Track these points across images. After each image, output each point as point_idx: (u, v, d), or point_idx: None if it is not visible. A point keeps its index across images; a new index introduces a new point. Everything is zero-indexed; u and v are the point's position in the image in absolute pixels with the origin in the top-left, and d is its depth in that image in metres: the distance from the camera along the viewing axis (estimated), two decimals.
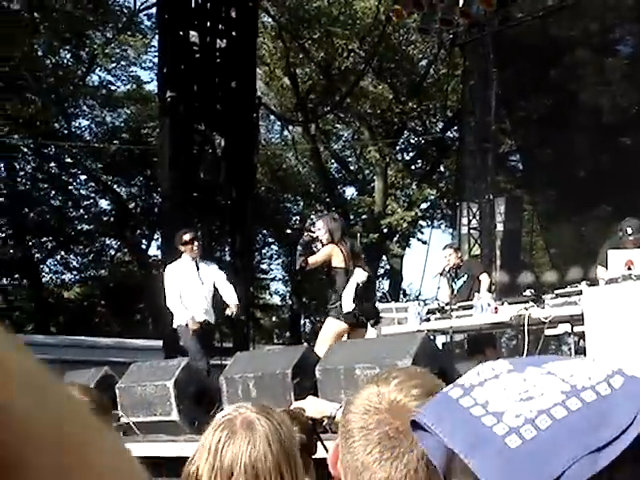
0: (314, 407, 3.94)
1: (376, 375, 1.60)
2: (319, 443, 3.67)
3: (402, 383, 1.53)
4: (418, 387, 1.52)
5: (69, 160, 28.73)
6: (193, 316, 9.65)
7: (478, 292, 10.05)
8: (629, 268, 7.95)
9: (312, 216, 9.46)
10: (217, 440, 1.94)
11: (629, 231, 9.04)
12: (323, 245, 8.46)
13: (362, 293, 8.30)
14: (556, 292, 8.98)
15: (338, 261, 8.34)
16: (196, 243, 9.95)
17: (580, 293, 8.22)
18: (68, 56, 28.27)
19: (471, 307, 9.55)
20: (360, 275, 8.32)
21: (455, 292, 10.55)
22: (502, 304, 9.41)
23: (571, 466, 0.71)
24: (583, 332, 7.97)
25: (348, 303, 8.20)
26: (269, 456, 1.89)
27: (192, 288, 9.90)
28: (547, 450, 0.72)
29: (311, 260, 8.35)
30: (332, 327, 8.21)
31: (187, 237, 10.06)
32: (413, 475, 1.45)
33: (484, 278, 10.80)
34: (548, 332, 8.90)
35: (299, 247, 8.48)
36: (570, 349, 9.00)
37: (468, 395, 0.79)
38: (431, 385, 1.55)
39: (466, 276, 10.80)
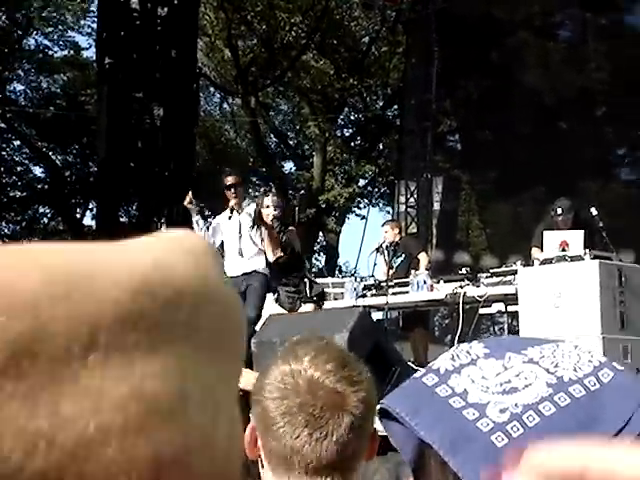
0: (246, 379, 3.91)
1: (282, 352, 1.56)
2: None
3: (314, 359, 1.50)
4: (331, 361, 1.50)
5: (3, 125, 28.19)
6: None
7: (416, 270, 10.08)
8: (563, 249, 8.04)
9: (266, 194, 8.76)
10: None
11: (559, 211, 9.13)
12: (268, 226, 8.01)
13: None
14: (491, 271, 9.07)
15: (298, 245, 8.19)
16: (233, 190, 8.60)
17: (515, 273, 8.30)
18: (3, 18, 27.64)
19: (407, 284, 9.58)
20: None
21: (394, 270, 10.57)
22: (438, 282, 9.47)
23: None
24: (516, 312, 8.06)
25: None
26: None
27: (227, 241, 8.68)
28: None
29: (272, 253, 8.03)
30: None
31: (227, 181, 8.76)
32: (343, 450, 1.44)
33: (422, 257, 10.82)
34: (482, 311, 8.98)
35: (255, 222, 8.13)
36: (502, 328, 9.10)
37: (444, 384, 0.74)
38: (341, 356, 1.53)
39: (404, 255, 10.81)
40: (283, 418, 1.45)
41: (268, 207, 8.02)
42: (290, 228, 8.15)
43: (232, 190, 8.55)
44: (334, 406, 1.45)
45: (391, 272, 10.41)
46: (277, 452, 1.46)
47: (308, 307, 7.91)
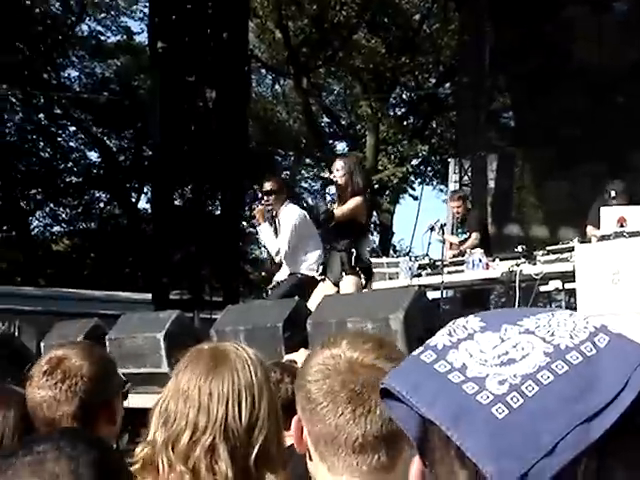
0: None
1: (322, 342, 1.59)
2: None
3: (352, 342, 1.53)
4: (368, 342, 1.54)
5: (58, 111, 28.53)
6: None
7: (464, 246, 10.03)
8: (621, 225, 7.94)
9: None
10: (182, 364, 1.94)
11: (613, 194, 9.06)
12: (339, 188, 7.77)
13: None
14: (548, 249, 8.97)
15: (363, 217, 7.80)
16: (267, 197, 8.28)
17: (572, 250, 8.21)
18: (57, 5, 27.91)
19: (463, 263, 9.53)
20: (370, 242, 8.14)
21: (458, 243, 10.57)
22: (493, 260, 9.40)
23: (564, 437, 0.67)
24: (574, 289, 7.97)
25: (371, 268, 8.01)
26: (227, 380, 1.87)
27: (269, 247, 8.60)
28: (537, 420, 0.68)
29: (337, 213, 7.66)
30: (356, 284, 7.68)
31: (264, 187, 8.47)
32: (389, 425, 1.45)
33: (474, 236, 10.78)
34: (539, 289, 8.90)
35: (320, 195, 7.99)
36: (560, 306, 9.01)
37: (443, 359, 0.74)
38: (378, 338, 1.58)
39: (468, 233, 10.76)
40: (326, 398, 1.48)
41: (337, 170, 7.86)
42: (356, 198, 7.77)
43: (267, 197, 8.27)
44: (375, 382, 1.46)
45: (454, 248, 10.36)
46: (323, 434, 1.48)
47: (350, 279, 7.63)
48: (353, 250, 7.60)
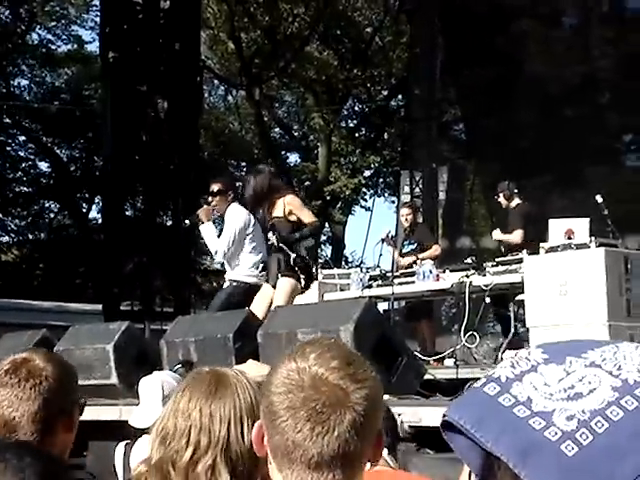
0: (255, 371, 3.93)
1: (291, 350, 1.58)
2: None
3: (320, 356, 1.52)
4: (336, 358, 1.52)
5: (8, 120, 28.21)
6: None
7: (421, 259, 10.08)
8: (569, 237, 8.02)
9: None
10: (181, 387, 1.95)
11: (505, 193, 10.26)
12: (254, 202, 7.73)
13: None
14: (497, 260, 9.05)
15: (294, 215, 7.64)
16: (212, 197, 8.31)
17: (521, 261, 8.28)
18: (6, 13, 27.63)
19: (413, 274, 9.58)
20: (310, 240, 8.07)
21: (402, 253, 10.61)
22: (444, 271, 9.46)
23: (638, 476, 0.65)
24: (523, 300, 8.05)
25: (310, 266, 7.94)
26: (228, 403, 1.87)
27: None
28: (608, 458, 0.66)
29: (307, 220, 7.63)
30: (291, 286, 7.55)
31: (210, 187, 8.43)
32: (345, 446, 1.45)
33: (435, 247, 10.84)
34: (488, 300, 8.96)
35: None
36: (509, 317, 9.09)
37: (507, 392, 0.73)
38: (347, 354, 1.55)
39: (416, 244, 10.81)
40: (286, 412, 1.47)
41: (248, 183, 7.78)
42: (285, 197, 7.64)
43: (212, 198, 8.24)
44: (337, 402, 1.46)
45: (400, 258, 10.42)
46: (280, 446, 1.48)
47: (284, 281, 7.48)
48: (289, 252, 7.54)
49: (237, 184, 8.35)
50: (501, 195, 10.61)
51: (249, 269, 8.09)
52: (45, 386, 2.25)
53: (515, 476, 0.69)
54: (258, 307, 7.43)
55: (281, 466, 1.50)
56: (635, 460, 0.66)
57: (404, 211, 11.19)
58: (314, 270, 8.31)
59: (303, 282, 7.60)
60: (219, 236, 8.15)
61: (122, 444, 4.10)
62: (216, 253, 8.20)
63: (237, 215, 8.09)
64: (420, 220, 11.92)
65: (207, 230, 8.25)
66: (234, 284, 8.20)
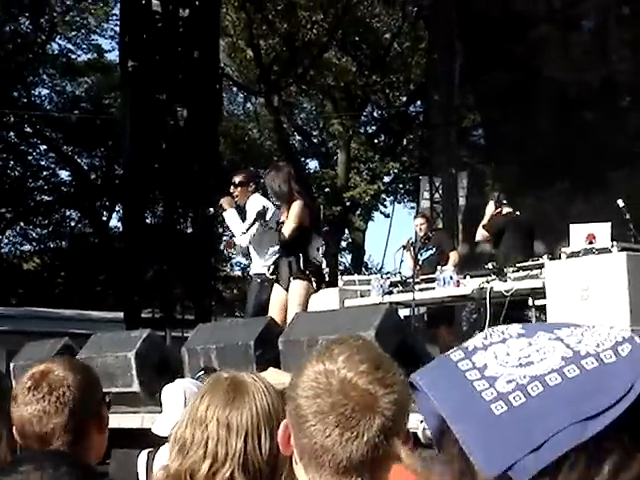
0: (275, 379, 3.93)
1: (318, 351, 1.57)
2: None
3: (349, 359, 1.51)
4: (365, 362, 1.51)
5: (29, 130, 28.39)
6: None
7: (443, 267, 10.06)
8: (590, 242, 8.00)
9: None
10: (201, 394, 1.94)
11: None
12: (279, 198, 7.84)
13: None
14: (518, 265, 9.01)
15: (306, 221, 7.68)
16: (234, 187, 8.52)
17: (542, 267, 8.25)
18: (27, 23, 27.82)
19: (434, 280, 9.55)
20: (320, 241, 8.12)
21: (420, 263, 10.57)
22: (464, 277, 9.43)
23: (555, 435, 0.69)
24: (544, 305, 8.02)
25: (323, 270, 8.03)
26: (246, 412, 1.86)
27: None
28: (532, 418, 0.70)
29: (287, 232, 7.59)
30: (305, 289, 7.65)
31: (233, 179, 8.65)
32: (374, 451, 1.45)
33: (453, 255, 10.83)
34: (510, 305, 8.93)
35: (263, 221, 7.93)
36: (530, 322, 9.04)
37: (468, 358, 0.76)
38: (376, 356, 1.55)
39: (434, 249, 10.81)
40: (315, 417, 1.47)
41: (273, 181, 7.83)
42: (296, 202, 7.66)
43: (233, 189, 8.46)
44: (366, 407, 1.46)
45: (418, 266, 10.42)
46: (308, 450, 1.48)
47: (297, 283, 7.55)
48: (300, 254, 7.61)
49: (259, 176, 8.46)
50: (490, 203, 10.97)
51: (266, 261, 8.21)
52: (69, 396, 2.26)
53: (456, 438, 0.72)
54: (274, 311, 7.50)
55: (308, 468, 1.49)
56: (557, 420, 0.69)
57: (418, 221, 11.21)
58: (325, 273, 8.35)
59: (315, 284, 7.66)
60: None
61: (145, 452, 4.11)
62: (242, 234, 8.28)
63: (258, 204, 8.24)
64: (436, 227, 12.02)
65: (230, 216, 8.47)
66: (258, 280, 8.29)
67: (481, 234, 10.75)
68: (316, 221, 8.08)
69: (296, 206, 7.68)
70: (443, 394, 0.74)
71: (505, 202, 10.92)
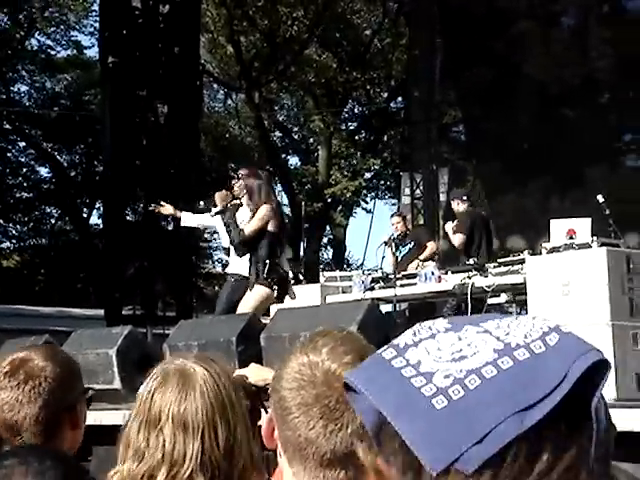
0: (257, 374, 3.91)
1: (302, 343, 1.56)
2: (263, 410, 3.65)
3: (332, 351, 1.50)
4: (349, 353, 1.50)
5: (8, 126, 28.22)
6: None
7: (422, 261, 10.10)
8: (571, 237, 8.02)
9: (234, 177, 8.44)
10: (148, 390, 1.83)
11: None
12: (241, 205, 7.84)
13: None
14: (499, 261, 9.05)
15: (272, 226, 7.68)
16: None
17: (523, 262, 8.28)
18: (5, 19, 27.65)
19: (415, 276, 9.58)
20: (288, 251, 8.10)
21: (399, 259, 10.61)
22: (446, 273, 9.46)
23: (496, 426, 0.70)
24: (525, 301, 8.04)
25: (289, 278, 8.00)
26: (200, 408, 1.78)
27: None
28: (473, 410, 0.71)
29: (248, 230, 7.63)
30: (263, 294, 7.67)
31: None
32: (358, 443, 1.44)
33: (431, 245, 10.92)
34: (491, 301, 8.97)
35: (228, 220, 7.83)
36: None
37: (401, 356, 0.77)
38: (360, 348, 1.53)
39: (412, 244, 10.89)
40: (299, 409, 1.46)
41: (239, 187, 7.93)
42: (262, 207, 7.67)
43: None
44: None
45: (397, 262, 10.46)
46: (292, 442, 1.47)
47: (257, 289, 7.56)
48: (267, 261, 7.61)
49: (262, 174, 8.36)
50: (454, 201, 11.14)
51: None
52: (45, 387, 2.23)
53: (396, 432, 0.74)
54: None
55: (292, 461, 1.49)
56: (496, 411, 0.71)
57: (394, 219, 11.34)
58: (290, 283, 8.29)
59: (276, 293, 7.65)
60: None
61: None
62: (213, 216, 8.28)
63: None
64: (416, 223, 12.08)
65: (190, 218, 8.39)
66: (232, 280, 8.36)
67: (459, 238, 10.69)
68: (284, 231, 8.03)
69: (264, 209, 7.68)
70: (381, 391, 0.75)
71: (465, 198, 11.04)
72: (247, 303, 7.54)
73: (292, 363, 1.50)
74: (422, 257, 10.53)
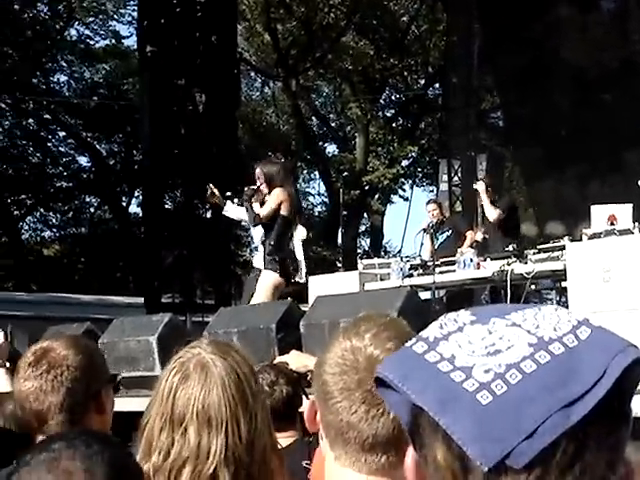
0: (297, 361, 3.93)
1: (345, 328, 1.56)
2: (304, 396, 3.67)
3: (375, 336, 1.50)
4: (392, 339, 1.50)
5: (48, 116, 28.45)
6: None
7: (461, 248, 10.04)
8: (612, 223, 7.96)
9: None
10: (170, 386, 1.83)
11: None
12: (265, 194, 7.80)
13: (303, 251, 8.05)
14: (539, 247, 8.98)
15: (285, 209, 7.69)
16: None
17: (563, 248, 8.22)
18: (45, 10, 27.86)
19: (454, 263, 9.54)
20: (302, 232, 8.04)
21: (436, 247, 10.56)
22: (485, 260, 9.41)
23: (544, 422, 0.71)
24: (565, 287, 7.99)
25: (297, 260, 7.97)
26: (223, 401, 1.79)
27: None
28: (519, 406, 0.72)
29: (263, 213, 7.65)
30: (271, 280, 7.68)
31: None
32: (399, 428, 1.42)
33: (470, 234, 10.83)
34: (530, 288, 8.91)
35: (244, 203, 7.84)
36: (552, 305, 9.01)
37: (433, 350, 0.78)
38: (403, 334, 1.52)
39: (450, 232, 10.81)
40: (341, 393, 1.46)
41: (258, 178, 7.87)
42: (275, 190, 7.66)
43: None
44: None
45: (435, 250, 10.41)
46: (334, 427, 1.48)
47: (265, 274, 7.58)
48: (273, 242, 7.60)
49: (279, 162, 8.34)
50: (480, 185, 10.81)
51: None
52: (67, 375, 2.27)
53: (437, 426, 0.74)
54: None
55: (334, 445, 1.50)
56: (542, 407, 0.72)
57: (430, 207, 11.21)
58: (302, 266, 8.23)
59: (285, 276, 7.67)
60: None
61: None
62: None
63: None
64: (454, 211, 11.96)
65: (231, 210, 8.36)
66: (252, 275, 8.32)
67: (496, 213, 10.46)
68: (297, 216, 7.98)
69: (277, 191, 7.68)
70: (420, 387, 0.75)
71: (489, 188, 10.73)
72: (259, 293, 7.56)
73: (335, 348, 1.51)
74: (463, 249, 10.42)
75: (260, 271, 8.15)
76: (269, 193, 7.78)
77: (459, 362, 0.75)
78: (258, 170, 7.93)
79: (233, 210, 8.41)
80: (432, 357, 0.77)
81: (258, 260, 8.32)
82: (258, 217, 7.69)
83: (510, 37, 16.67)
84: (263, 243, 7.78)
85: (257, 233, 8.21)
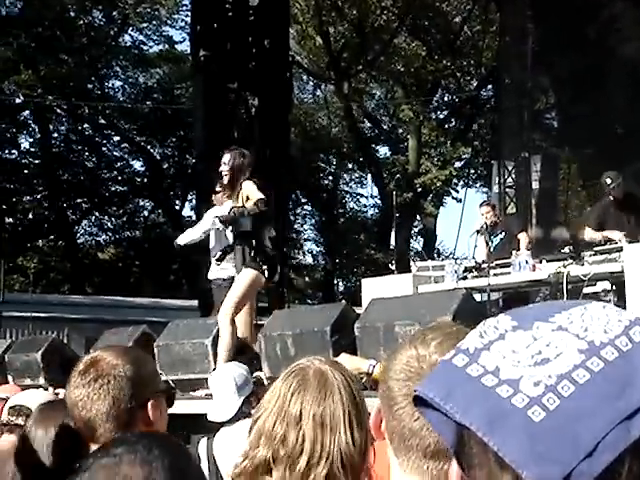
0: (349, 364, 3.92)
1: (412, 336, 1.58)
2: None
3: (441, 344, 1.50)
4: None
5: (102, 121, 28.81)
6: None
7: (516, 250, 9.94)
8: None
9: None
10: (287, 387, 1.94)
11: (608, 181, 9.16)
12: (224, 185, 7.44)
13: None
14: (595, 249, 8.86)
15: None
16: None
17: (620, 250, 8.12)
18: (100, 16, 28.22)
19: (509, 265, 9.46)
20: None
21: (491, 250, 10.46)
22: (540, 262, 9.31)
23: (604, 437, 0.65)
24: (623, 290, 7.89)
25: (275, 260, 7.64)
26: (339, 409, 1.89)
27: None
28: (575, 421, 0.66)
29: (257, 205, 7.13)
30: (252, 278, 7.22)
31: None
32: None
33: (522, 236, 10.70)
34: (587, 290, 8.79)
35: (232, 209, 7.35)
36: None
37: (475, 362, 0.72)
38: None
39: (504, 234, 10.70)
40: (404, 399, 1.47)
41: (224, 164, 7.40)
42: (245, 183, 7.25)
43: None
44: None
45: (490, 252, 10.32)
46: (397, 433, 1.48)
47: (245, 272, 7.16)
48: (253, 241, 7.32)
49: (245, 153, 7.94)
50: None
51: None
52: (114, 385, 2.29)
53: (485, 446, 0.69)
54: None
55: (397, 452, 1.50)
56: (600, 420, 0.66)
57: (483, 209, 11.05)
58: (278, 261, 7.92)
59: (267, 273, 7.25)
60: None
61: (204, 439, 4.12)
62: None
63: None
64: (508, 213, 11.80)
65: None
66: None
67: (587, 233, 9.83)
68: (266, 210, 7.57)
69: (251, 183, 7.31)
70: (464, 405, 0.70)
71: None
72: (236, 288, 7.19)
73: (401, 355, 1.52)
74: (518, 252, 10.29)
75: (223, 280, 8.07)
76: (228, 183, 7.39)
77: (504, 375, 0.70)
78: (228, 157, 7.44)
79: (188, 234, 8.23)
80: (474, 371, 0.72)
81: (216, 270, 8.22)
82: (262, 202, 7.14)
83: (564, 36, 16.50)
84: (243, 244, 7.34)
85: (219, 241, 8.09)
